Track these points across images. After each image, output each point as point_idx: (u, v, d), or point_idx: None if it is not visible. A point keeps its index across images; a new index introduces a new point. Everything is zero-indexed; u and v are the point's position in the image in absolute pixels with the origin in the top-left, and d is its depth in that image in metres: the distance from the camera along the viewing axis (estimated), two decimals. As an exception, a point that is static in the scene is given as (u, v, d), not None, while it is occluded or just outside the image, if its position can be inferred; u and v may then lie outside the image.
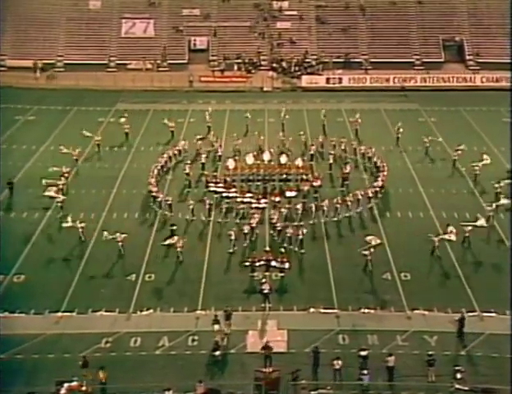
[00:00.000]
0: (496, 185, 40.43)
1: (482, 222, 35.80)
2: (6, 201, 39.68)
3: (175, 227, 36.05)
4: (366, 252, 32.99)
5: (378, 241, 33.71)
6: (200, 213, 38.32)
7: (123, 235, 34.37)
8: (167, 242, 34.25)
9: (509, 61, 66.15)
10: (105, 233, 34.77)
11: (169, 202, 38.98)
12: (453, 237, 34.44)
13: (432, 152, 48.00)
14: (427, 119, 54.76)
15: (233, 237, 34.97)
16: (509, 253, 34.42)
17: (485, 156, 44.53)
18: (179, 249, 33.80)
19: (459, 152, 45.59)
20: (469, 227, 35.08)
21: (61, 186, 40.67)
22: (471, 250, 34.87)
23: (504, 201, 38.58)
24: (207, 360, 26.93)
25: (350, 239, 36.12)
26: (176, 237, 34.45)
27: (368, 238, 33.82)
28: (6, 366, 25.84)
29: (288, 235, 35.35)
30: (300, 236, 34.84)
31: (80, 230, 35.60)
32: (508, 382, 25.03)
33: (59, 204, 38.91)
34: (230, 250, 34.72)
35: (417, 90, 63.17)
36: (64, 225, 36.33)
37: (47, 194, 39.35)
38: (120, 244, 34.24)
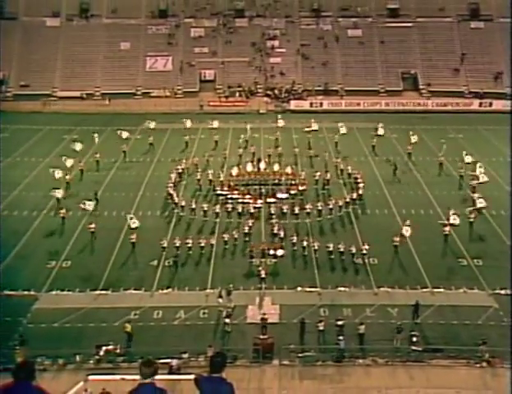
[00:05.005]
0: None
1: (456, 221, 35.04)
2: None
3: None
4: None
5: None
6: (209, 212, 38.06)
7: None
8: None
9: (453, 90, 66.23)
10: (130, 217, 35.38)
11: (193, 206, 38.14)
12: (457, 221, 34.48)
13: (397, 161, 47.84)
14: (390, 135, 54.60)
15: (236, 231, 34.76)
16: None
17: (479, 164, 42.65)
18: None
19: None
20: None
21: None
22: (426, 239, 34.66)
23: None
24: (215, 329, 27.03)
25: (329, 232, 35.94)
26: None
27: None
28: (58, 332, 25.90)
29: (282, 231, 34.75)
30: (294, 237, 34.26)
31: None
32: (451, 344, 25.32)
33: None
34: (235, 242, 34.42)
35: (381, 112, 62.92)
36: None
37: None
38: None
